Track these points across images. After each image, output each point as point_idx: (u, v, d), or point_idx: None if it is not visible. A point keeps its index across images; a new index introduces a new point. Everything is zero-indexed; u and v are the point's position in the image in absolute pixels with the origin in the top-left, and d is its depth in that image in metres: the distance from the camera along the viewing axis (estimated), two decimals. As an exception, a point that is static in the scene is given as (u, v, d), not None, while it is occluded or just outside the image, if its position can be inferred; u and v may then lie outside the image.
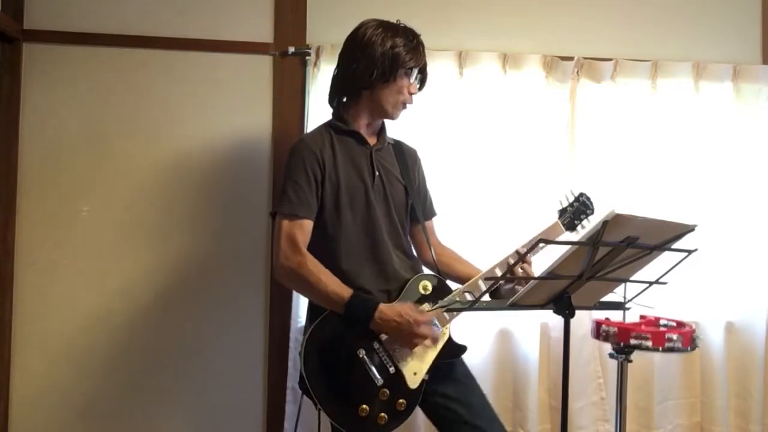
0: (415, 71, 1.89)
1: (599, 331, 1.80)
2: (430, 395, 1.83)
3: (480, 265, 1.98)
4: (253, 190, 2.43)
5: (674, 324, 1.84)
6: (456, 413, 1.82)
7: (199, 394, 2.40)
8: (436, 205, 2.14)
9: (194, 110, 2.40)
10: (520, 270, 1.84)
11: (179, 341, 2.39)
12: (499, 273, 1.88)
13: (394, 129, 2.09)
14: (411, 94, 1.89)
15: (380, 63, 1.81)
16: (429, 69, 2.36)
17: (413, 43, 1.86)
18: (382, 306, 1.75)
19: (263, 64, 2.44)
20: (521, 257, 1.80)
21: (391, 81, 1.84)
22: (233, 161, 2.42)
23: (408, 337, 1.75)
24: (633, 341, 1.73)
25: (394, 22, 1.88)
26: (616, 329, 1.76)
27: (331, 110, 1.96)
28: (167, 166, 2.39)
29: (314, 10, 2.46)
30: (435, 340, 1.79)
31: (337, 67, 1.93)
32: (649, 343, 1.72)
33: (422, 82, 1.94)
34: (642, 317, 1.93)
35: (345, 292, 1.75)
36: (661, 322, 1.86)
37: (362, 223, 1.84)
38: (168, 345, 2.38)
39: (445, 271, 1.99)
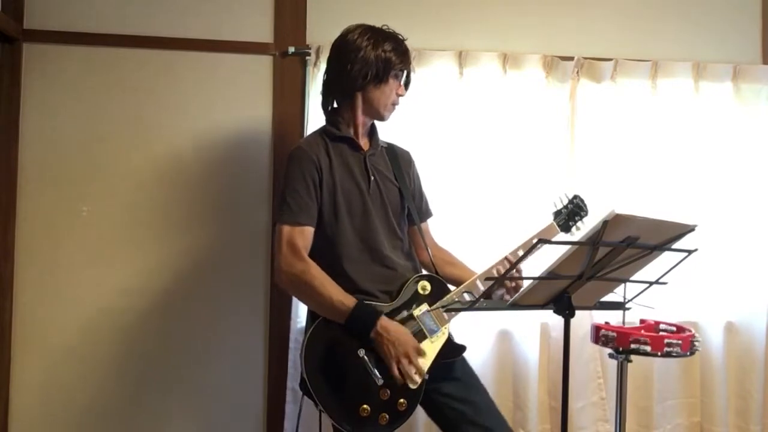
0: (404, 74, 1.94)
1: (598, 336, 1.79)
2: (433, 395, 1.83)
3: (478, 266, 1.98)
4: (254, 190, 2.42)
5: (674, 329, 1.84)
6: (461, 413, 1.82)
7: (200, 394, 2.40)
8: (436, 205, 2.14)
9: (194, 110, 2.40)
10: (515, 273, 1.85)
11: (179, 341, 2.39)
12: (496, 274, 1.88)
13: (394, 128, 2.10)
14: (399, 95, 1.94)
15: (374, 65, 1.85)
16: (429, 69, 2.43)
17: (402, 47, 1.91)
18: (384, 321, 1.75)
19: (263, 64, 2.44)
20: (522, 257, 1.80)
21: (383, 82, 1.88)
22: (233, 161, 2.42)
23: (394, 359, 1.74)
24: (632, 346, 1.73)
25: (380, 27, 1.91)
26: (615, 334, 1.75)
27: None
28: (167, 166, 2.39)
29: (314, 10, 2.46)
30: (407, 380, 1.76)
31: (327, 72, 1.95)
32: (648, 348, 1.71)
33: (406, 85, 1.99)
34: (641, 321, 1.93)
35: (349, 301, 1.75)
36: (661, 326, 1.85)
37: (360, 227, 1.85)
38: (168, 345, 2.38)
39: (439, 273, 1.99)
